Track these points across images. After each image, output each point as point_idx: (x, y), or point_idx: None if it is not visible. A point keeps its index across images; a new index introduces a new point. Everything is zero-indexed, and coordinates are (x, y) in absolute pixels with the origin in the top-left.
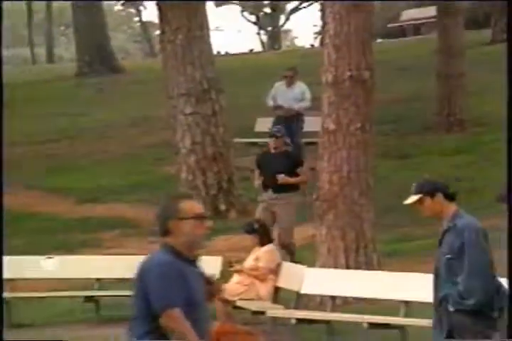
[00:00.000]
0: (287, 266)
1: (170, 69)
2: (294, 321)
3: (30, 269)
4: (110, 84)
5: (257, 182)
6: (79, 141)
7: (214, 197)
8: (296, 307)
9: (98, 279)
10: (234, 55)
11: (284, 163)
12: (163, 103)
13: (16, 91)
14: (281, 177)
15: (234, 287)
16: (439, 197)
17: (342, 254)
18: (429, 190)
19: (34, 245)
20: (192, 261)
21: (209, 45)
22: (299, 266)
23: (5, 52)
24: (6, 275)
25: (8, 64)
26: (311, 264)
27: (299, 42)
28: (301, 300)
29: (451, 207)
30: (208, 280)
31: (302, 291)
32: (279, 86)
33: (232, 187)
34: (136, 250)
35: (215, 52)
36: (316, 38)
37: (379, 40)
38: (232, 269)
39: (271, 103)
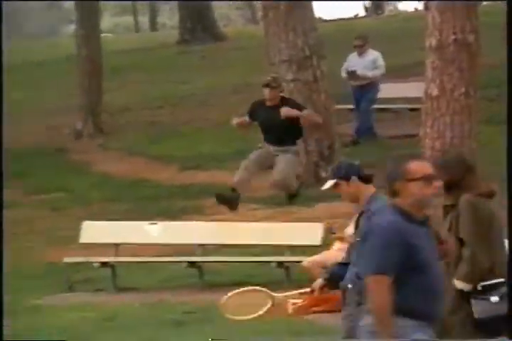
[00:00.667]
0: None
1: (271, 36)
2: None
3: (134, 235)
4: (212, 51)
5: (236, 120)
6: (181, 108)
7: (315, 164)
8: None
9: (201, 245)
10: (337, 20)
11: (280, 116)
12: (264, 70)
13: (119, 59)
14: (286, 111)
15: (335, 254)
16: (354, 180)
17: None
18: (343, 174)
19: (137, 211)
20: (422, 222)
21: (311, 10)
22: None
23: (108, 21)
24: (111, 239)
25: (112, 32)
26: None
27: (403, 7)
28: None
29: (369, 190)
30: (440, 240)
31: None
32: (351, 57)
33: (333, 154)
34: (237, 217)
35: (317, 17)
36: (420, 1)
37: (485, 3)
38: (333, 236)
39: (344, 75)
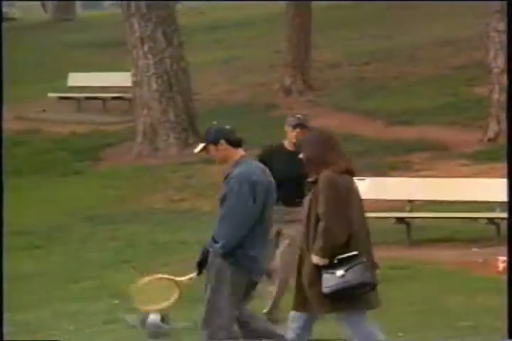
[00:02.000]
0: None
1: None
2: None
3: None
4: (420, 5)
5: None
6: (388, 63)
7: None
8: None
9: (410, 201)
10: None
11: None
12: (472, 23)
13: (326, 14)
14: None
15: None
16: (223, 144)
17: None
18: (212, 138)
19: None
20: None
21: None
22: None
23: None
24: None
25: None
26: None
27: None
28: None
29: (237, 154)
30: None
31: None
32: None
33: None
34: (445, 173)
35: None
36: None
37: None
38: None
39: None
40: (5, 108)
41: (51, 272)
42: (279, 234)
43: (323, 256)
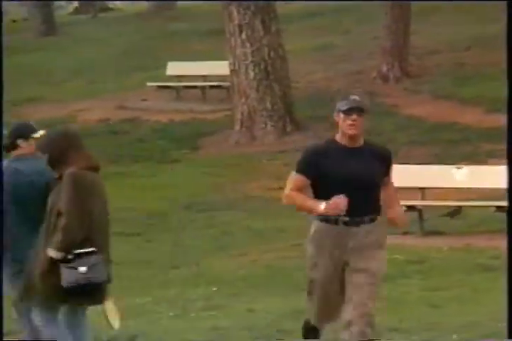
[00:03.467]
0: None
1: None
2: None
3: (440, 178)
4: None
5: (309, 202)
6: (488, 49)
7: None
8: None
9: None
10: None
11: (373, 167)
12: None
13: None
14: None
15: None
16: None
17: None
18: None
19: (443, 155)
20: None
21: None
22: None
23: None
24: (417, 183)
25: None
26: None
27: None
28: None
29: (17, 153)
30: None
31: None
32: None
33: None
34: None
35: None
36: None
37: None
38: None
39: None
40: (107, 97)
41: (149, 259)
42: (343, 267)
43: (59, 250)
